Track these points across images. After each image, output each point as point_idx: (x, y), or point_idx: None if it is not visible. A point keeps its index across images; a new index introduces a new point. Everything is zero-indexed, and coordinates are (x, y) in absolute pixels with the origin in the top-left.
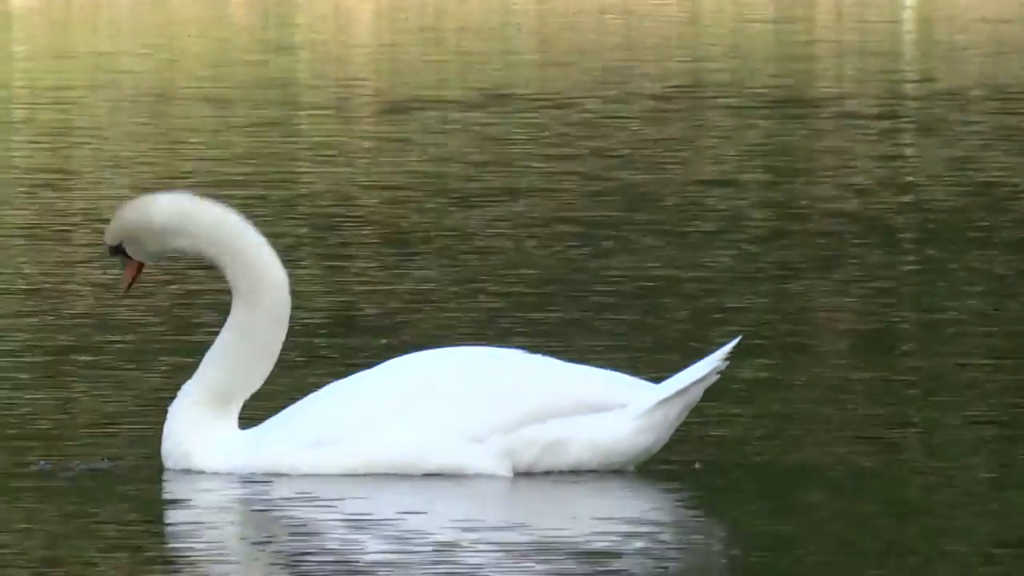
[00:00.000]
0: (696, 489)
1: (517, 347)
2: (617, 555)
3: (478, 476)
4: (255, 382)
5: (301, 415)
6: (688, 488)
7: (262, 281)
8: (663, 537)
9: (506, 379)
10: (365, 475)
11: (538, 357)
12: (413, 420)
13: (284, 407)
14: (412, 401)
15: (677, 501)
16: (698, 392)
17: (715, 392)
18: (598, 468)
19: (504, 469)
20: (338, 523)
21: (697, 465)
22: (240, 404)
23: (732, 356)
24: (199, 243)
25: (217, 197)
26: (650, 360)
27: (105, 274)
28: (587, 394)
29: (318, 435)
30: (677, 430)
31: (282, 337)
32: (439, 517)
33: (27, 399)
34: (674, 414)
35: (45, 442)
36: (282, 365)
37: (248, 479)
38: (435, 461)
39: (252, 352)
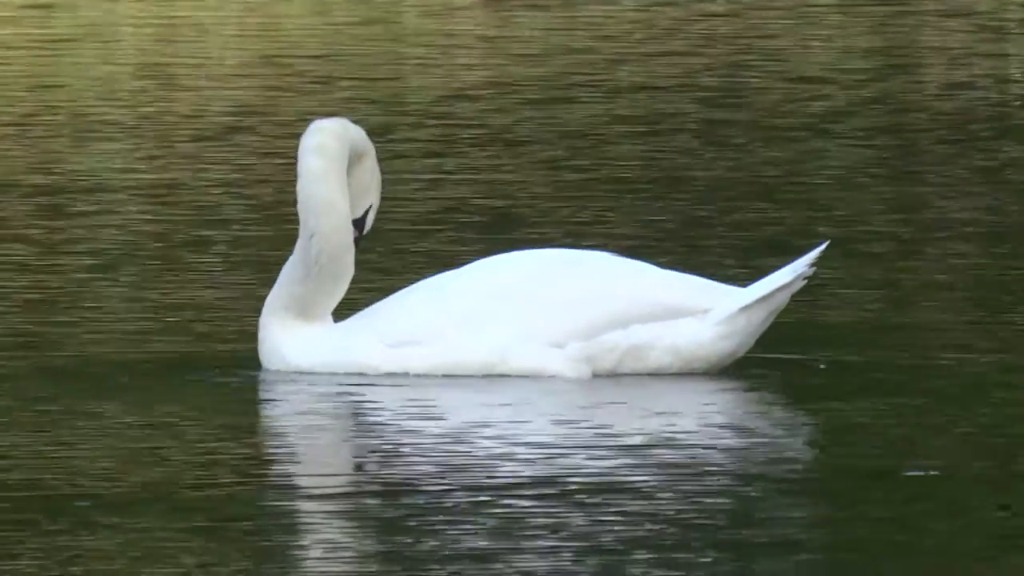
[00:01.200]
0: (800, 388)
1: (614, 248)
2: (709, 450)
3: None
4: (325, 309)
5: (387, 314)
6: (794, 387)
7: (316, 229)
8: (758, 432)
9: (589, 283)
10: (445, 376)
11: (624, 260)
12: (495, 324)
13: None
14: (495, 305)
15: (785, 398)
16: (783, 298)
17: (821, 292)
18: (679, 373)
19: (584, 374)
20: (428, 422)
21: (822, 365)
22: (325, 312)
23: (829, 256)
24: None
25: (323, 94)
26: (749, 260)
27: (206, 170)
28: (670, 299)
29: (402, 335)
30: (776, 330)
31: (336, 283)
32: (527, 415)
33: (136, 294)
34: (757, 320)
35: (155, 335)
36: (376, 263)
37: (334, 378)
38: (515, 365)
39: (312, 285)
